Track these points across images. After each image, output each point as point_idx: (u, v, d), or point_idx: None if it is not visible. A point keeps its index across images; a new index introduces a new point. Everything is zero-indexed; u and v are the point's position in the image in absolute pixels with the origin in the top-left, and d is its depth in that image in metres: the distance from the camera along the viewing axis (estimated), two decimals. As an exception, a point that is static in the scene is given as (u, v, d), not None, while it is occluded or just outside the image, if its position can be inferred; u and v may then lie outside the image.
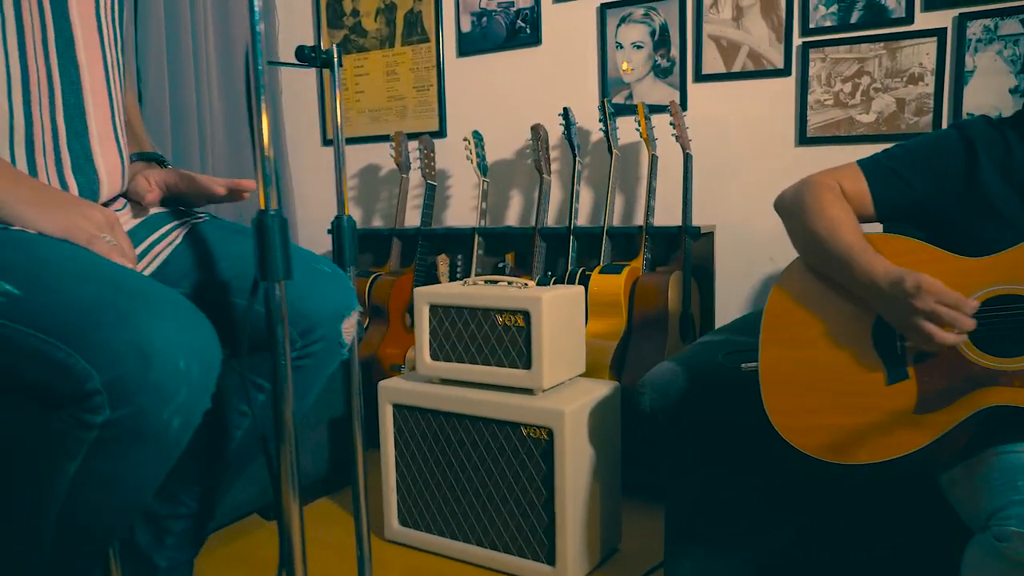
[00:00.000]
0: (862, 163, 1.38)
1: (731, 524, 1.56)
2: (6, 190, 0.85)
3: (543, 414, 1.73)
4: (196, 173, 1.11)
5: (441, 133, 3.01)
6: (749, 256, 2.50)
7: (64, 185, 0.96)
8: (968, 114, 2.18)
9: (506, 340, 1.81)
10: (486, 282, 1.96)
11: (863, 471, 1.24)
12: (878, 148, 2.29)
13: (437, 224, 3.00)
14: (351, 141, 3.24)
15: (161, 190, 1.10)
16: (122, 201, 1.11)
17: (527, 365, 1.79)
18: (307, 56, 1.10)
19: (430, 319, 1.90)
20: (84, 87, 0.97)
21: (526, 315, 1.78)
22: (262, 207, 0.82)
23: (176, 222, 1.10)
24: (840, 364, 1.27)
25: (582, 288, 1.92)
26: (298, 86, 3.35)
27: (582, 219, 2.74)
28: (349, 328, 1.09)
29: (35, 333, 0.75)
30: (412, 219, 2.99)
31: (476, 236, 2.64)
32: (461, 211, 3.01)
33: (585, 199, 2.75)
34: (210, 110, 2.99)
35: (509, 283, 1.92)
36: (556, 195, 2.81)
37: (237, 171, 3.09)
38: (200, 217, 1.14)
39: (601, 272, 2.31)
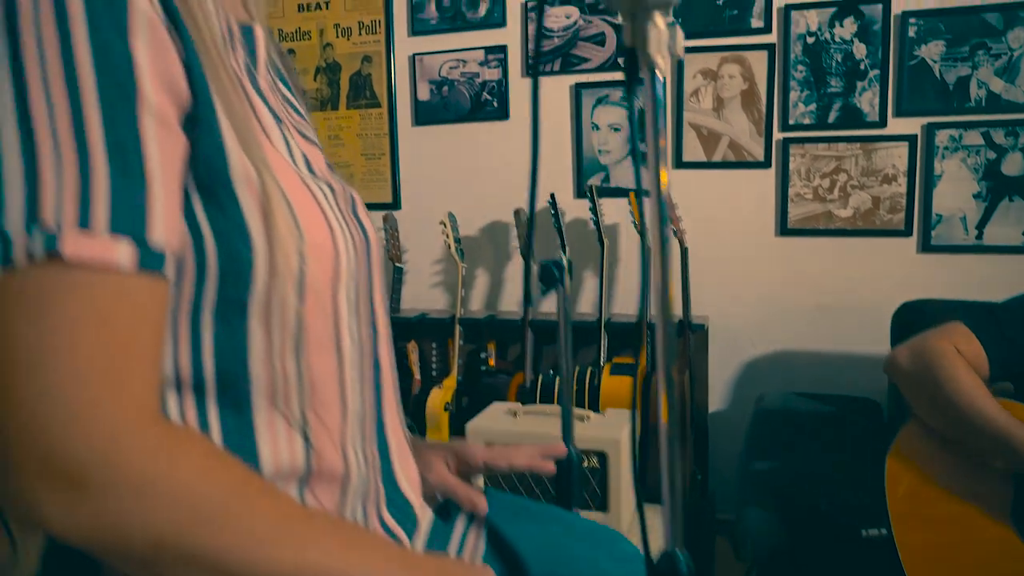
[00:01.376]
0: (971, 326, 1.42)
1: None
2: None
3: (628, 562, 1.65)
4: (480, 445, 0.88)
5: (395, 205, 2.80)
6: (732, 345, 2.55)
7: (390, 533, 0.70)
8: (937, 215, 2.35)
9: (576, 480, 1.71)
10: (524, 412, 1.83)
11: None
12: (857, 241, 2.45)
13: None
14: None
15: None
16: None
17: (602, 507, 1.70)
18: (552, 277, 0.95)
19: (484, 457, 1.75)
20: (384, 394, 0.71)
21: (602, 456, 1.68)
22: (671, 546, 0.66)
23: (460, 517, 0.87)
24: (986, 547, 1.30)
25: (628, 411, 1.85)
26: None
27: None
28: None
29: None
30: (369, 300, 2.76)
31: (457, 326, 2.49)
32: (418, 291, 2.82)
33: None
34: None
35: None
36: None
37: None
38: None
39: (612, 373, 2.25)
